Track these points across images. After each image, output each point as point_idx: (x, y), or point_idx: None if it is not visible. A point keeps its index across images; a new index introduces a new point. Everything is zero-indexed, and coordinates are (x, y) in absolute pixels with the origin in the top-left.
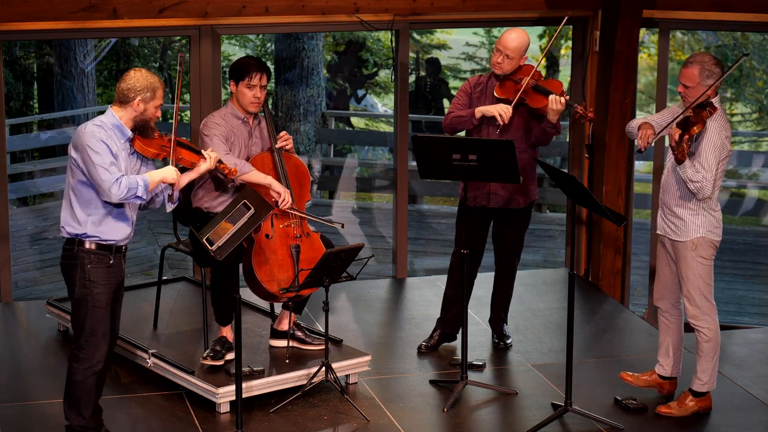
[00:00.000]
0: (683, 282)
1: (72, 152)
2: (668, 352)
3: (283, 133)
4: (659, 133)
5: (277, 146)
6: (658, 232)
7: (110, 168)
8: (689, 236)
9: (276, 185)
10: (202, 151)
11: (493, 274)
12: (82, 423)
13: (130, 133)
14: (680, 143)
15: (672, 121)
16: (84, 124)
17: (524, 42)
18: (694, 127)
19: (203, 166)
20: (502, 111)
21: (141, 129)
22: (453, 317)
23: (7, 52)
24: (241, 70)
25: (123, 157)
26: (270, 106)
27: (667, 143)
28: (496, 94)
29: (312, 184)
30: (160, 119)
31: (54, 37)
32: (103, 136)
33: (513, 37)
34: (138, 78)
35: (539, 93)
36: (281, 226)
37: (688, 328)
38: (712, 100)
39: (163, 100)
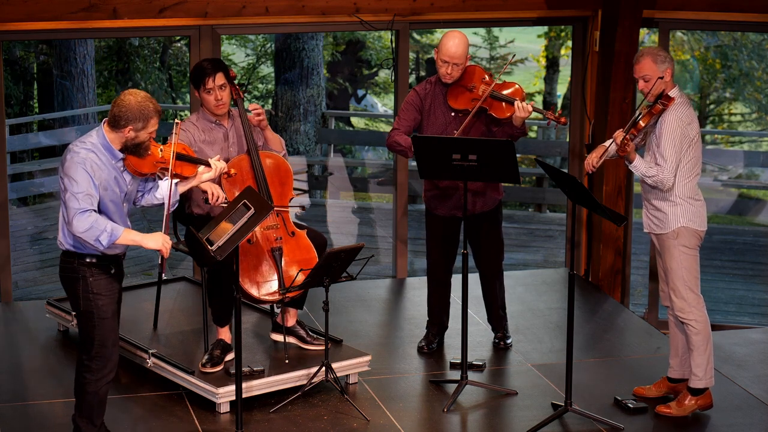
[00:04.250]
0: (668, 274)
1: (60, 171)
2: (678, 351)
3: (256, 108)
4: (608, 147)
5: (253, 134)
6: (645, 230)
7: (82, 198)
8: (671, 227)
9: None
10: (210, 160)
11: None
12: (94, 431)
13: (120, 155)
14: (621, 142)
15: (627, 125)
16: (76, 145)
17: (466, 44)
18: (640, 121)
19: (207, 175)
20: None
21: (133, 150)
22: (439, 320)
23: (7, 52)
24: (196, 77)
25: (112, 180)
26: (270, 106)
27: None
28: (450, 105)
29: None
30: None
31: (54, 37)
32: (88, 167)
33: (455, 43)
34: (131, 106)
35: (501, 101)
36: (262, 229)
37: None
38: (669, 92)
39: (159, 125)
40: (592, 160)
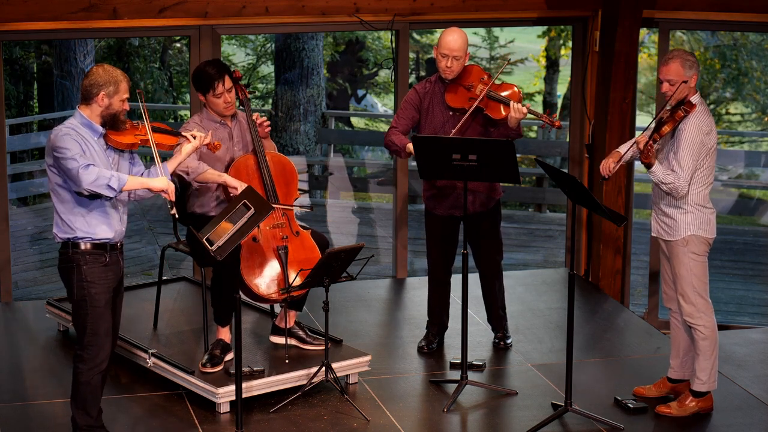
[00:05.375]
0: (677, 280)
1: (47, 157)
2: (679, 353)
3: (259, 118)
4: (623, 153)
5: (258, 135)
6: (653, 234)
7: (79, 158)
8: (680, 234)
9: (231, 180)
10: (186, 133)
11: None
12: (90, 422)
13: (101, 129)
14: (645, 148)
15: (647, 127)
16: (56, 128)
17: (465, 39)
18: (664, 127)
19: (189, 147)
20: None
21: (111, 123)
22: (439, 320)
23: (7, 52)
24: (203, 83)
25: (98, 153)
26: (270, 106)
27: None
28: (448, 103)
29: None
30: (129, 110)
31: (54, 37)
32: (73, 136)
33: (454, 38)
34: (100, 73)
35: (497, 101)
36: (268, 227)
37: None
38: (691, 98)
39: (129, 93)
40: (609, 164)
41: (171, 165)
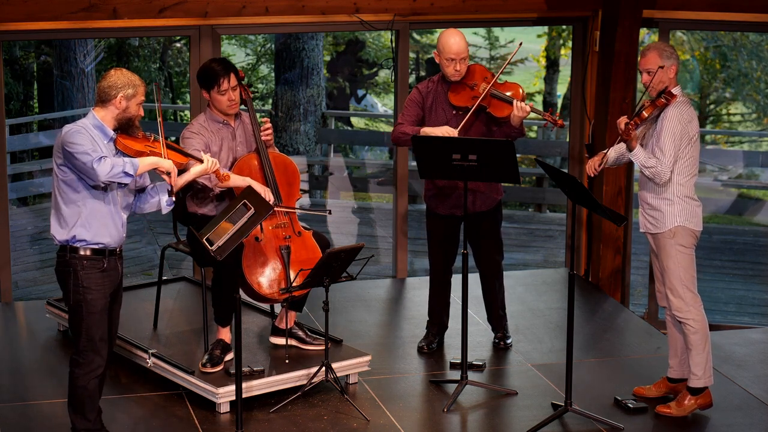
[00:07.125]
0: (665, 274)
1: (55, 156)
2: (677, 352)
3: (266, 126)
4: (607, 153)
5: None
6: (641, 230)
7: (92, 152)
8: (667, 226)
9: (256, 186)
10: (202, 154)
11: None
12: (88, 426)
13: (112, 133)
14: (626, 127)
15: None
16: (67, 126)
17: (465, 37)
18: (643, 112)
19: (198, 168)
20: (447, 133)
21: (124, 127)
22: (439, 320)
23: (7, 52)
24: (208, 79)
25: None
26: (270, 106)
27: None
28: (451, 102)
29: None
30: (145, 118)
31: (54, 37)
32: (84, 133)
33: (457, 40)
34: (119, 76)
35: (500, 100)
36: (270, 227)
37: None
38: (672, 89)
39: (145, 97)
40: (594, 163)
41: (179, 182)
